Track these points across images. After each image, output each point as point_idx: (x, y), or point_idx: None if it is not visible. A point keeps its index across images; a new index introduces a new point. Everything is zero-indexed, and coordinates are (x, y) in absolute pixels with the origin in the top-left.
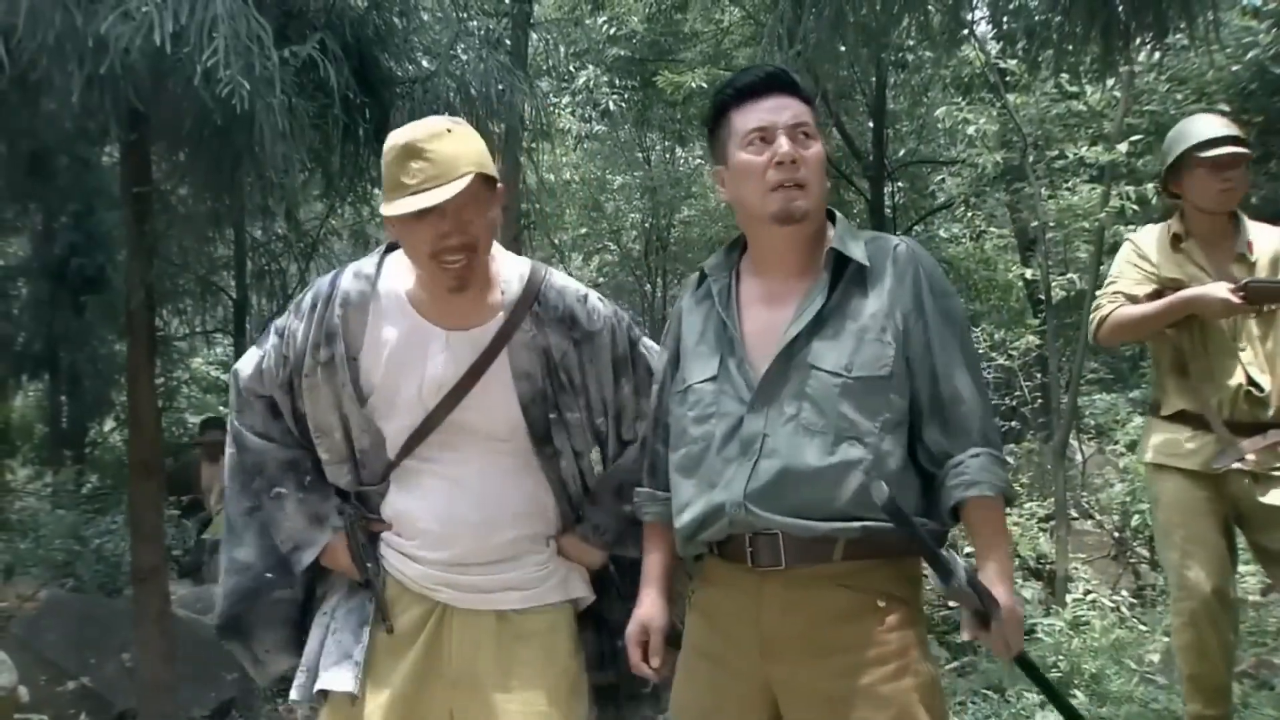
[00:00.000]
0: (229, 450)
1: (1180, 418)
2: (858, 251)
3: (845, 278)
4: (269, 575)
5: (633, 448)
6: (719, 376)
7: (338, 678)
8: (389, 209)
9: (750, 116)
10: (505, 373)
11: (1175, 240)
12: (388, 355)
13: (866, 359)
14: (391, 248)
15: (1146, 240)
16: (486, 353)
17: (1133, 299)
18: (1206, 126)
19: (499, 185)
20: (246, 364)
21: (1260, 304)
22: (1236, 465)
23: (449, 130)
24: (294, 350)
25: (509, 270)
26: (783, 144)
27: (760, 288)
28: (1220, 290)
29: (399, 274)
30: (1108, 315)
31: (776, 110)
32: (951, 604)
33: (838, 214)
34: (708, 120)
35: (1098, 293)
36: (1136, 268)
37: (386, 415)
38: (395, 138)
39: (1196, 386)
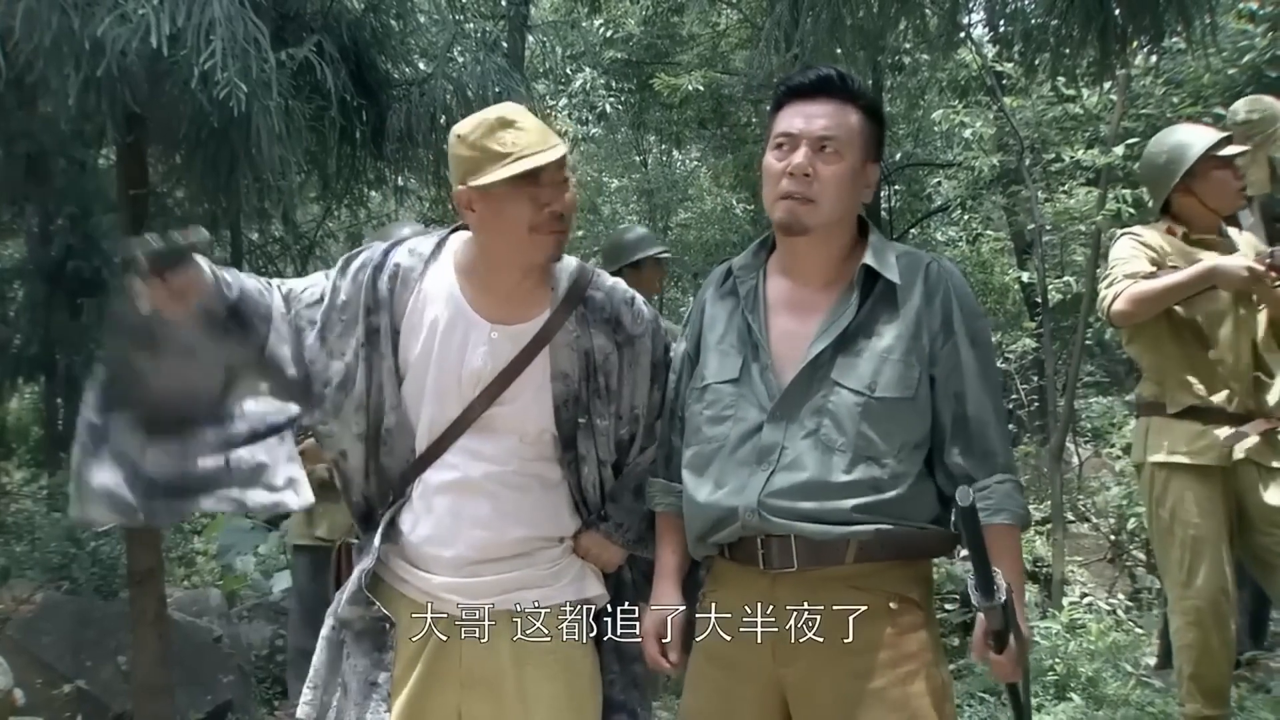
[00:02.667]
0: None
1: (1190, 414)
2: (890, 269)
3: (874, 294)
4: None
5: (651, 449)
6: (740, 379)
7: (370, 711)
8: (487, 178)
9: (784, 119)
10: (544, 371)
11: (1185, 237)
12: (425, 338)
13: (890, 380)
14: (454, 232)
15: (1147, 235)
16: (528, 349)
17: (1148, 278)
18: (1203, 131)
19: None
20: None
21: None
22: (1242, 455)
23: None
24: (328, 304)
25: (559, 266)
26: (798, 156)
27: (787, 292)
28: (1243, 260)
29: (453, 261)
30: (1123, 290)
31: (810, 118)
32: (959, 609)
33: (871, 226)
34: (770, 112)
35: (1104, 276)
36: (1145, 249)
37: (417, 399)
38: (481, 115)
39: (1209, 379)
